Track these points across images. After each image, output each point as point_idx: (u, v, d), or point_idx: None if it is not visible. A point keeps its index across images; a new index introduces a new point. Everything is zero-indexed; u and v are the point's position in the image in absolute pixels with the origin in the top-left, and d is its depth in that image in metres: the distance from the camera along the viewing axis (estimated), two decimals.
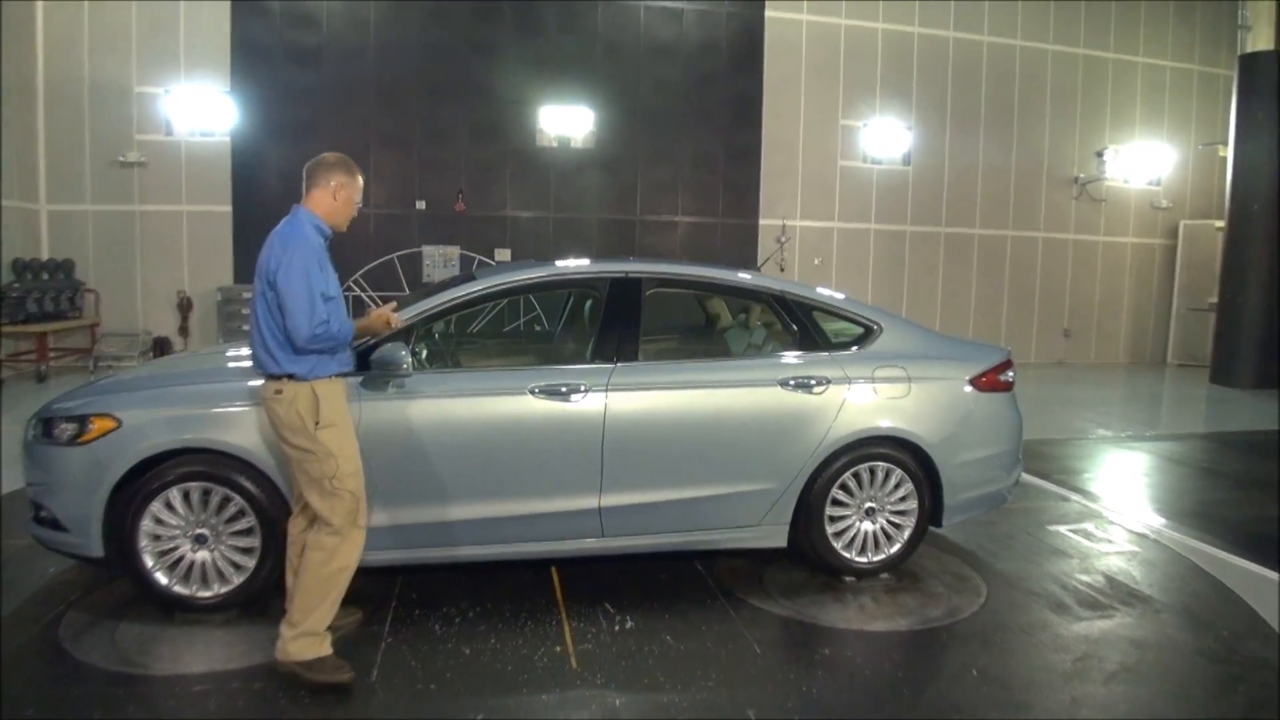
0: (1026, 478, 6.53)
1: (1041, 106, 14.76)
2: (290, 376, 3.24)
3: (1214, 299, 13.55)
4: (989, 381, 4.59)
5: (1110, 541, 5.25)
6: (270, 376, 3.28)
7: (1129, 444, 8.33)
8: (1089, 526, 5.52)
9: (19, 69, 11.08)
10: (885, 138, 14.00)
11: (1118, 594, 4.37)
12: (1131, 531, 5.45)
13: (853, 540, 4.37)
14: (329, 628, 3.32)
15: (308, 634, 3.24)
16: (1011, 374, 4.72)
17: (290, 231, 3.30)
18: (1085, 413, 10.17)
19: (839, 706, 3.21)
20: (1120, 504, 6.13)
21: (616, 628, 3.80)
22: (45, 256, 11.42)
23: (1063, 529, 5.45)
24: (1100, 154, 14.94)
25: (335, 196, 3.42)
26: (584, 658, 3.52)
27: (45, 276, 11.04)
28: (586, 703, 3.18)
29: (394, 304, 3.99)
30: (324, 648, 3.27)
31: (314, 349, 3.22)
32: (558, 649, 3.59)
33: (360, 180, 3.51)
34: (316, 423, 3.25)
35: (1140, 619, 4.07)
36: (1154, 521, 5.70)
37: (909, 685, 3.42)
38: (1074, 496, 6.26)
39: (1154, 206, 15.49)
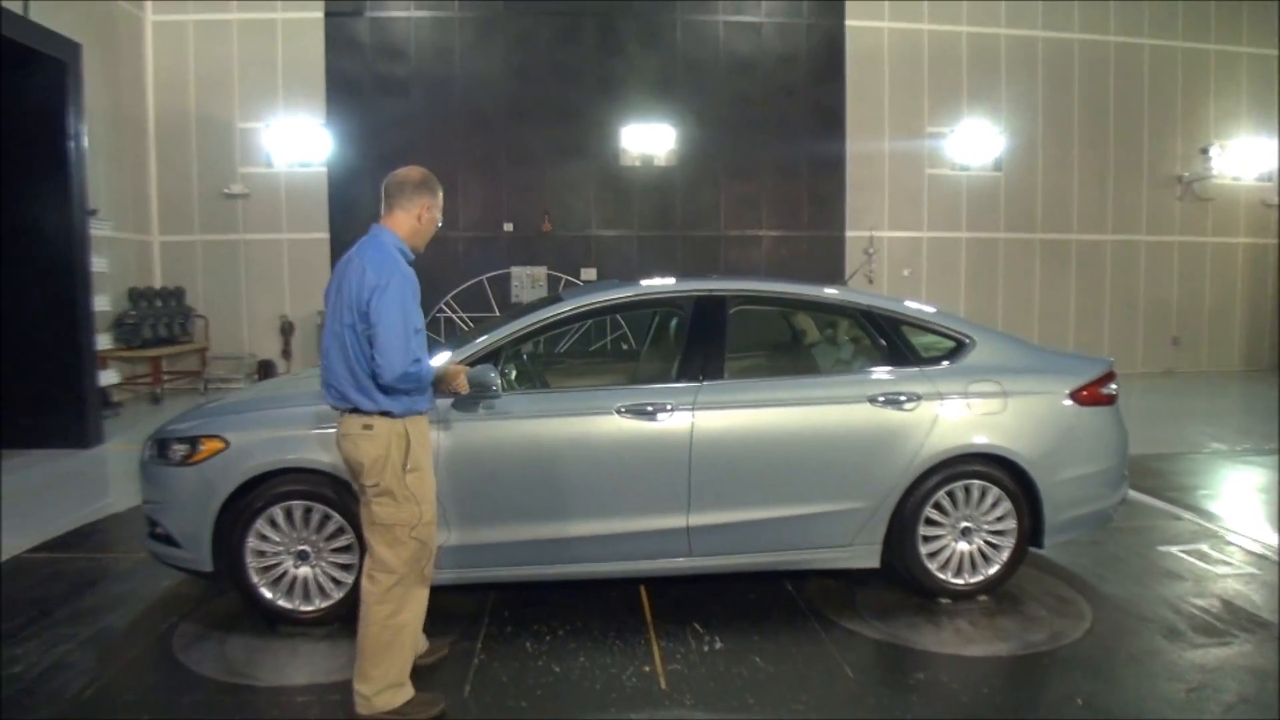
0: (1135, 495, 6.25)
1: (1139, 104, 14.17)
2: (384, 414, 3.07)
3: None
4: (1090, 395, 4.42)
5: (1228, 563, 4.96)
6: (357, 411, 3.10)
7: (1247, 458, 7.89)
8: (1204, 547, 5.23)
9: (132, 109, 11.78)
10: (974, 143, 13.65)
11: (1236, 619, 4.13)
12: (1250, 553, 5.15)
13: (948, 561, 4.25)
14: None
15: (390, 686, 3.13)
16: (1114, 386, 4.53)
17: (382, 259, 3.09)
18: (1198, 425, 9.68)
19: None
20: (1238, 523, 5.79)
21: (705, 648, 3.78)
22: (158, 285, 12.07)
23: (1175, 549, 5.18)
24: (1205, 150, 14.24)
25: (420, 219, 3.25)
26: (673, 678, 3.51)
27: (158, 304, 11.66)
28: None
29: (466, 367, 3.66)
30: (408, 690, 3.18)
31: (400, 388, 3.04)
32: (646, 668, 3.59)
33: (441, 198, 3.34)
34: (405, 465, 3.10)
35: (1261, 646, 3.84)
36: (1275, 541, 5.37)
37: (1007, 713, 3.30)
38: (1187, 515, 5.95)
39: (1266, 204, 14.67)
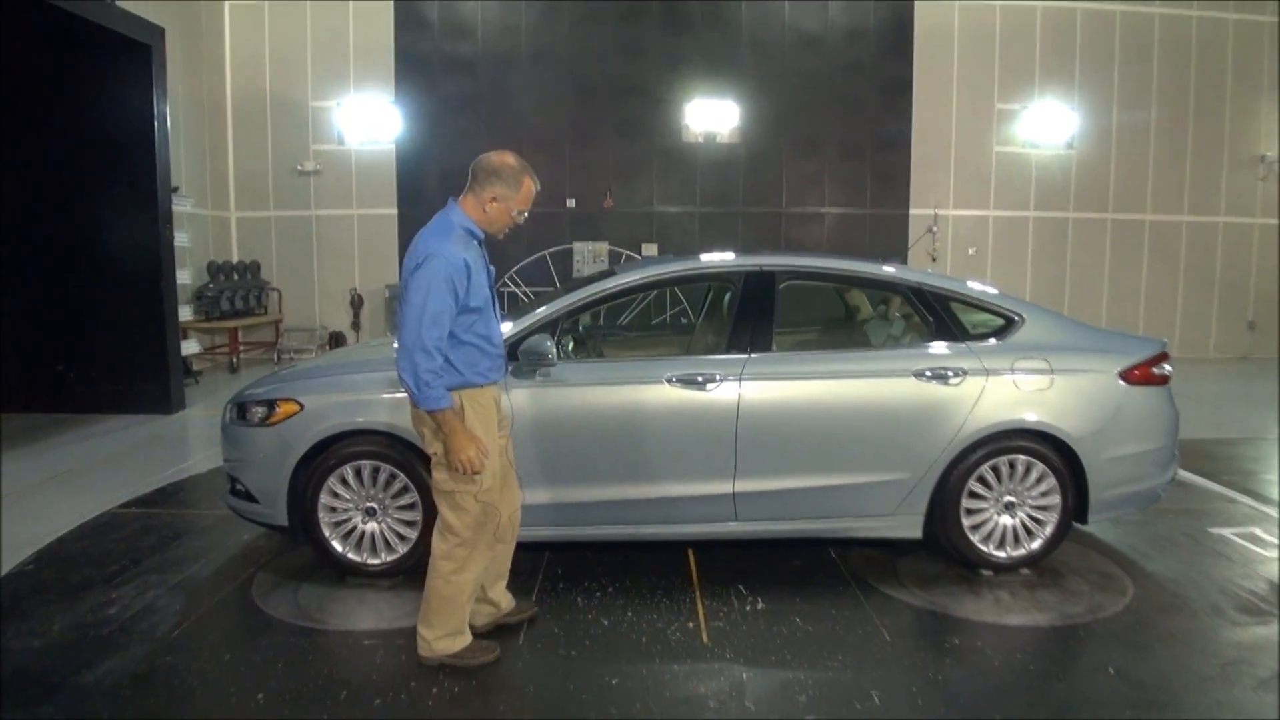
0: (1193, 479, 6.20)
1: (1222, 80, 13.68)
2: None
3: None
4: (1142, 374, 4.42)
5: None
6: None
7: None
8: (1257, 530, 5.19)
9: (211, 92, 12.28)
10: (1046, 121, 13.36)
11: None
12: None
13: (990, 534, 4.33)
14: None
15: (450, 634, 3.34)
16: (1167, 367, 4.52)
17: (434, 235, 3.13)
18: (1268, 411, 9.42)
19: (963, 694, 3.24)
20: None
21: (748, 608, 3.94)
22: (235, 259, 12.59)
23: (1227, 532, 5.15)
24: None
25: (486, 209, 3.21)
26: (715, 634, 3.68)
27: (235, 277, 12.18)
28: (715, 675, 3.34)
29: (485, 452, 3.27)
30: (466, 637, 3.38)
31: (413, 373, 3.01)
32: (690, 625, 3.77)
33: (527, 189, 3.25)
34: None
35: None
36: None
37: (1038, 679, 3.40)
38: (1243, 499, 5.88)
39: None
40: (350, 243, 13.05)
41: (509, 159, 3.23)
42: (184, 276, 10.18)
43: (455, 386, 3.13)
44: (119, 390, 8.49)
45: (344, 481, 4.13)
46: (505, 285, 12.58)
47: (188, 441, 7.73)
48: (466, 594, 3.37)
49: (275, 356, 12.41)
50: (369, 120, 12.71)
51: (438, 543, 3.32)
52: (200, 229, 11.71)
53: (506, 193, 3.20)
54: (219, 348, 11.92)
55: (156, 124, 8.29)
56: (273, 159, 12.86)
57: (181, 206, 10.18)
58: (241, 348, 11.87)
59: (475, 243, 3.25)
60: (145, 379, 8.54)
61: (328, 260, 13.06)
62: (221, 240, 12.57)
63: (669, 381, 4.15)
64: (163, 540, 4.87)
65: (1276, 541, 4.99)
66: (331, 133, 12.86)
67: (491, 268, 3.35)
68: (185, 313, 10.33)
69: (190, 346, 10.25)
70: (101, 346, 8.56)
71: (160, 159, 8.37)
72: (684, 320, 11.23)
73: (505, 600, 3.72)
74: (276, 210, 12.93)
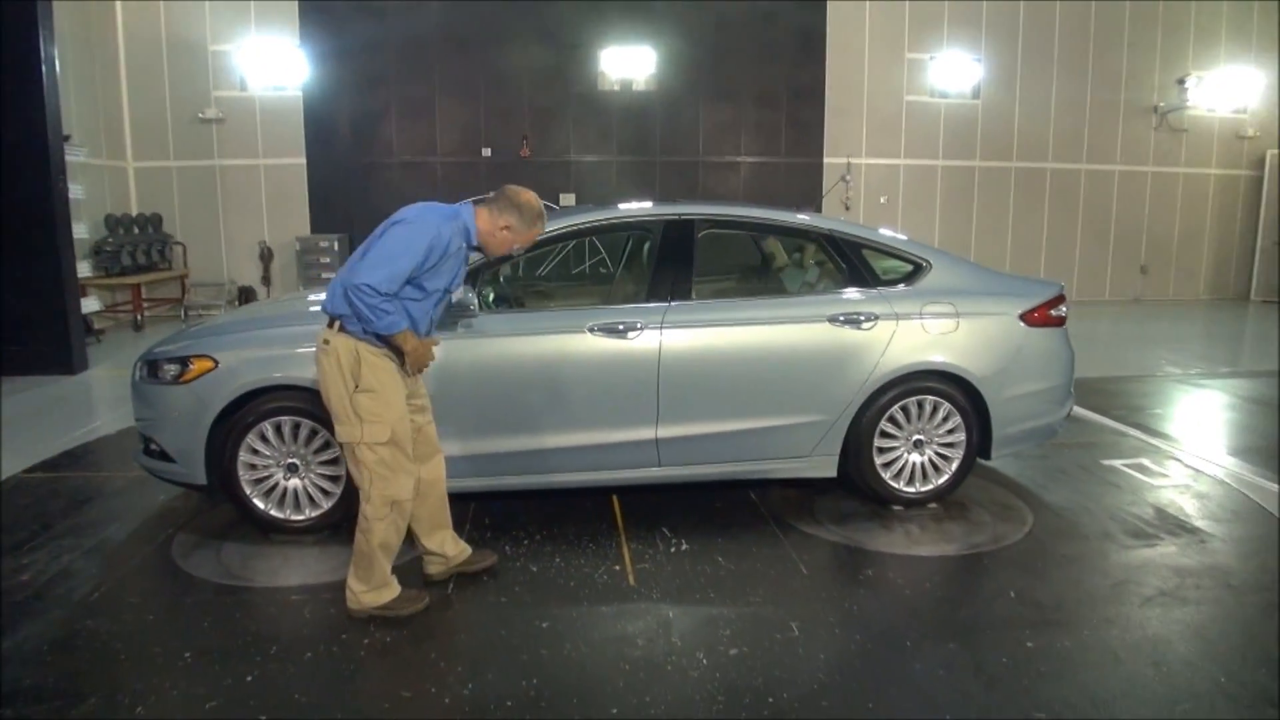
0: (1087, 414, 6.58)
1: (1119, 33, 14.19)
2: (342, 329, 3.22)
3: None
4: (1040, 316, 4.65)
5: (1165, 476, 5.28)
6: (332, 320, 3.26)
7: (1198, 381, 8.22)
8: (1145, 461, 5.55)
9: (101, 31, 11.59)
10: (953, 70, 13.69)
11: (1165, 525, 4.45)
12: (1188, 466, 5.47)
13: (901, 471, 4.54)
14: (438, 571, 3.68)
15: (376, 587, 3.38)
16: (1064, 309, 4.77)
17: (433, 215, 3.27)
18: (1157, 350, 10.01)
19: (877, 621, 3.43)
20: (1181, 440, 6.13)
21: (672, 550, 4.07)
22: (135, 212, 12.04)
23: (1117, 463, 5.50)
24: (1182, 81, 14.35)
25: (496, 232, 3.37)
26: (641, 576, 3.80)
27: (136, 231, 11.67)
28: (642, 614, 3.45)
29: (436, 341, 3.54)
30: (393, 589, 3.41)
31: (351, 300, 3.12)
32: (617, 568, 3.87)
33: (534, 232, 3.43)
34: (357, 385, 3.23)
35: (1185, 548, 4.15)
36: (1214, 457, 5.70)
37: (947, 604, 3.62)
38: (1133, 432, 6.27)
39: (1239, 136, 14.86)
40: (258, 194, 12.61)
41: (534, 201, 3.41)
42: (80, 231, 9.71)
43: (360, 335, 3.23)
44: (16, 351, 8.09)
45: (264, 438, 4.08)
46: None
47: (93, 402, 7.46)
48: (389, 549, 3.38)
49: (182, 313, 11.99)
50: (273, 65, 12.23)
51: (361, 500, 3.34)
52: (95, 180, 11.15)
53: (519, 227, 3.39)
54: (121, 305, 11.45)
55: (45, 69, 7.81)
56: (171, 106, 12.27)
57: (74, 157, 9.67)
58: (145, 305, 11.43)
59: (463, 245, 3.37)
60: (44, 339, 8.16)
61: (234, 212, 12.60)
62: (119, 192, 11.99)
63: (591, 331, 4.19)
64: (73, 504, 4.73)
65: (1163, 471, 5.36)
66: (234, 78, 12.33)
67: (460, 277, 3.49)
68: (83, 269, 9.88)
69: (90, 304, 9.82)
70: None
71: (50, 106, 7.91)
72: (603, 270, 11.23)
73: (454, 549, 3.73)
74: (178, 160, 12.38)
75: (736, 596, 3.61)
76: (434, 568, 3.72)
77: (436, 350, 3.49)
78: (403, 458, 3.33)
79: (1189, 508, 4.72)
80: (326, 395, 3.29)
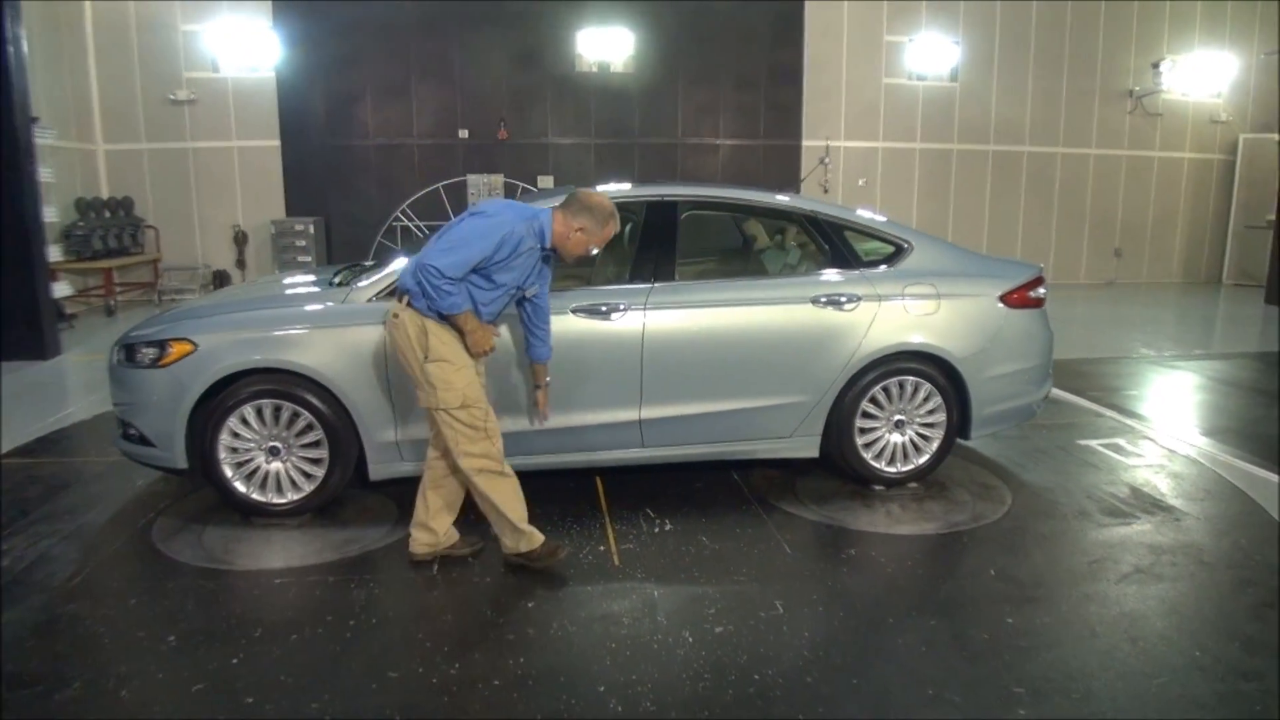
0: (1064, 395, 6.66)
1: (1095, 16, 14.28)
2: (410, 305, 3.40)
3: (1272, 216, 13.20)
4: (1020, 298, 4.70)
5: (1140, 455, 5.37)
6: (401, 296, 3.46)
7: (1172, 363, 8.34)
8: (1121, 441, 5.63)
9: (70, 11, 11.35)
10: (931, 53, 13.72)
11: (1141, 504, 4.52)
12: (1163, 446, 5.55)
13: (882, 451, 4.58)
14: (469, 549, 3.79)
15: (508, 534, 3.58)
16: (1043, 290, 4.81)
17: (511, 211, 3.44)
18: (1132, 332, 10.14)
19: (859, 598, 3.47)
20: (1156, 420, 6.22)
21: (656, 530, 4.09)
22: (105, 195, 11.85)
23: (1094, 443, 5.57)
24: (1156, 65, 14.46)
25: (570, 235, 3.51)
26: (626, 556, 3.81)
27: (107, 214, 11.48)
28: (627, 594, 3.47)
29: (496, 330, 3.69)
30: (531, 540, 3.58)
31: (420, 279, 3.30)
32: (601, 548, 3.89)
33: (608, 231, 3.55)
34: (426, 355, 3.41)
35: (1160, 526, 4.22)
36: (1188, 437, 5.79)
37: (927, 581, 3.67)
38: (1109, 413, 6.36)
39: (1213, 120, 15.01)
40: (231, 176, 12.44)
41: (605, 202, 3.56)
42: (50, 214, 9.51)
43: (425, 311, 3.39)
44: None
45: (244, 421, 4.04)
46: (398, 220, 12.27)
47: (67, 388, 7.36)
48: (498, 496, 3.53)
49: (156, 297, 11.85)
50: (246, 45, 12.03)
51: (460, 462, 3.50)
52: (65, 163, 10.94)
53: (592, 228, 3.53)
54: (93, 290, 11.28)
55: (12, 49, 7.65)
56: (141, 87, 12.07)
57: (43, 139, 9.46)
58: (118, 289, 11.27)
59: (539, 247, 3.50)
60: (15, 324, 8.03)
61: (207, 195, 12.44)
62: (89, 175, 11.80)
63: (573, 312, 4.18)
64: (50, 490, 4.68)
65: (1138, 451, 5.44)
66: (205, 59, 12.14)
67: (540, 278, 3.64)
68: (54, 253, 9.69)
69: (62, 289, 9.63)
70: None
71: (17, 87, 7.75)
72: None
73: (445, 533, 3.76)
74: (149, 143, 12.19)
75: (721, 576, 3.64)
76: (420, 548, 3.72)
77: (496, 340, 3.61)
78: (479, 419, 3.47)
79: (1163, 487, 4.80)
80: (402, 365, 3.52)
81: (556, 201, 3.64)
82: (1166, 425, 6.07)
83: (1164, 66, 14.43)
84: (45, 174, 9.21)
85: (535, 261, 3.55)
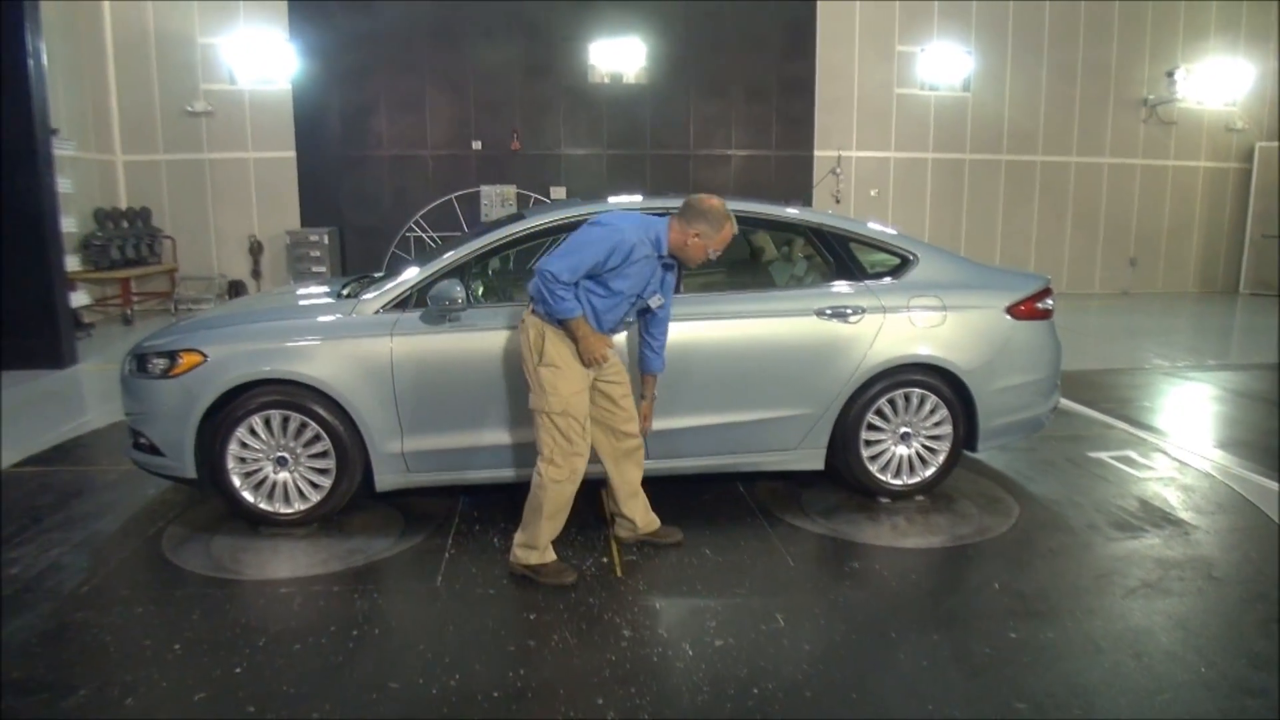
0: (1075, 407, 6.62)
1: (1109, 25, 14.23)
2: (534, 311, 3.57)
3: None
4: (1027, 309, 4.68)
5: (1151, 468, 5.32)
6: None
7: (1186, 374, 8.28)
8: (1132, 454, 5.59)
9: (89, 24, 11.52)
10: (943, 63, 13.71)
11: (1150, 517, 4.49)
12: (1175, 459, 5.51)
13: (888, 463, 4.56)
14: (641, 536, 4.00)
15: (526, 546, 3.65)
16: (1050, 302, 4.80)
17: (626, 221, 3.55)
18: (1146, 343, 10.06)
19: (862, 612, 3.46)
20: (1168, 433, 6.17)
21: (659, 542, 4.08)
22: (124, 206, 11.99)
23: (1104, 455, 5.54)
24: (1171, 74, 14.40)
25: (688, 241, 3.60)
26: (628, 567, 3.82)
27: (125, 225, 11.62)
28: (629, 605, 3.47)
29: (610, 340, 3.73)
30: (545, 556, 3.66)
31: (538, 284, 3.43)
32: (604, 560, 3.90)
33: (725, 234, 3.61)
34: (540, 359, 3.53)
35: (1169, 540, 4.19)
36: (1200, 449, 5.74)
37: (931, 595, 3.65)
38: (1120, 425, 6.31)
39: (1228, 128, 14.92)
40: (247, 187, 12.57)
41: (719, 205, 3.62)
42: (69, 224, 9.64)
43: (544, 318, 3.55)
44: (5, 345, 8.06)
45: (253, 432, 4.09)
46: (411, 230, 12.35)
47: (82, 396, 7.45)
48: (550, 508, 3.60)
49: (173, 307, 11.96)
50: (262, 58, 12.18)
51: (537, 462, 3.63)
52: (84, 174, 11.10)
53: (708, 232, 3.59)
54: (111, 299, 11.41)
55: (32, 62, 7.78)
56: (160, 99, 12.22)
57: (63, 150, 9.61)
58: (135, 298, 11.40)
59: (653, 254, 3.59)
60: (33, 333, 8.13)
61: (224, 206, 12.57)
62: (108, 186, 11.95)
63: None
64: (63, 498, 4.73)
65: (1149, 464, 5.40)
66: (222, 71, 12.28)
67: (664, 287, 3.75)
68: (72, 263, 9.84)
69: (80, 298, 9.76)
70: None
71: (38, 99, 7.87)
72: None
73: (643, 518, 4.00)
74: (167, 154, 12.34)
75: (723, 588, 3.64)
76: (623, 531, 4.03)
77: (610, 352, 3.70)
78: (575, 432, 3.58)
79: (1174, 500, 4.76)
80: (522, 368, 3.67)
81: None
82: (1179, 438, 6.02)
83: (1178, 75, 14.36)
84: (65, 185, 9.35)
85: (654, 269, 3.63)
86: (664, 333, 3.88)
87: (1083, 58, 14.21)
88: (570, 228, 4.64)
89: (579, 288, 3.49)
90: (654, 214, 3.94)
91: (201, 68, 12.22)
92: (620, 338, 4.06)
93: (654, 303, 3.75)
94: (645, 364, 3.93)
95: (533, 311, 3.58)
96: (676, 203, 4.51)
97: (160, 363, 4.13)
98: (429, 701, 2.81)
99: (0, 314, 8.05)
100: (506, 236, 4.38)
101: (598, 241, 3.46)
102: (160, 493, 4.76)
